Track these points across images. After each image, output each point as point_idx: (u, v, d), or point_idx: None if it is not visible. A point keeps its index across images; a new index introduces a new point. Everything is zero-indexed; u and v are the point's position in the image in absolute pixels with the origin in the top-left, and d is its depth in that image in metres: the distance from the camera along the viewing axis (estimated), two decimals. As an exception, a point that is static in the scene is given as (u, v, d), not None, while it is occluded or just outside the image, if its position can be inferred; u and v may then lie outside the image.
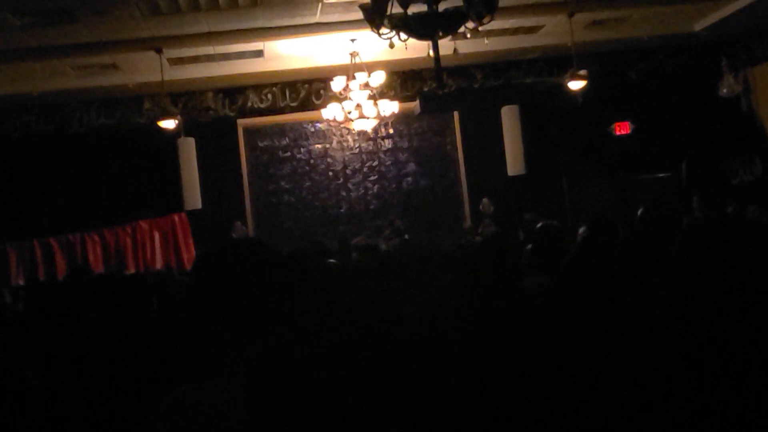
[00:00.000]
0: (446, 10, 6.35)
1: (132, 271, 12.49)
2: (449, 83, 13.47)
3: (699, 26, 13.00)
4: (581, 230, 6.62)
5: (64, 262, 12.64)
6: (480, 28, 6.52)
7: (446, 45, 7.59)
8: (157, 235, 13.24)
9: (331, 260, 6.59)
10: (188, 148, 13.43)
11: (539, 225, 6.72)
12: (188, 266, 12.89)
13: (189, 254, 13.30)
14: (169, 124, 11.69)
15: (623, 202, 13.54)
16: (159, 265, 12.97)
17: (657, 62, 14.12)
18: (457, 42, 7.79)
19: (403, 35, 6.50)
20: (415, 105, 13.66)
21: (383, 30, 6.49)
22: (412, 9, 6.51)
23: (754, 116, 14.08)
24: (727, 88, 13.90)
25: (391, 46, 6.44)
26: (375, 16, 6.40)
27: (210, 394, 1.97)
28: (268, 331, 2.02)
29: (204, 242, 13.30)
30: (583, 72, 11.55)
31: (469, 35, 6.51)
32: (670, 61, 14.12)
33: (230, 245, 2.51)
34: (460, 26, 6.47)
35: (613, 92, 13.88)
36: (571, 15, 11.05)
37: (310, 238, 11.87)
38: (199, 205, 13.41)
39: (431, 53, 6.64)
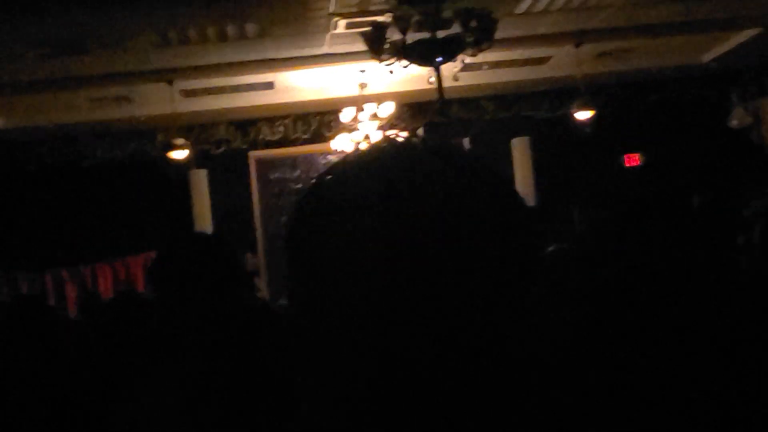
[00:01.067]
0: (445, 37, 6.43)
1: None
2: (459, 114, 13.55)
3: (707, 57, 13.04)
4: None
5: (75, 293, 12.72)
6: (479, 57, 6.59)
7: (451, 78, 7.64)
8: (167, 266, 13.29)
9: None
10: (200, 179, 13.55)
11: (551, 249, 6.72)
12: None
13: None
14: (180, 155, 11.79)
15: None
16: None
17: (666, 94, 14.15)
18: (461, 74, 7.85)
19: (403, 61, 6.58)
20: (420, 132, 13.73)
21: (384, 57, 6.57)
22: (413, 36, 6.61)
23: (765, 148, 14.07)
24: (737, 119, 13.90)
25: (391, 72, 6.52)
26: (376, 43, 6.49)
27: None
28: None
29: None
30: (589, 103, 11.59)
31: (467, 61, 6.58)
32: (680, 93, 14.15)
33: (184, 242, 2.52)
34: (458, 53, 6.56)
35: (622, 124, 13.91)
36: (577, 46, 11.12)
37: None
38: (210, 236, 13.45)
39: (431, 80, 6.71)
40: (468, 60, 6.62)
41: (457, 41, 6.40)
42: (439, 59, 6.40)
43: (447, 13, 6.55)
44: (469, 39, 6.34)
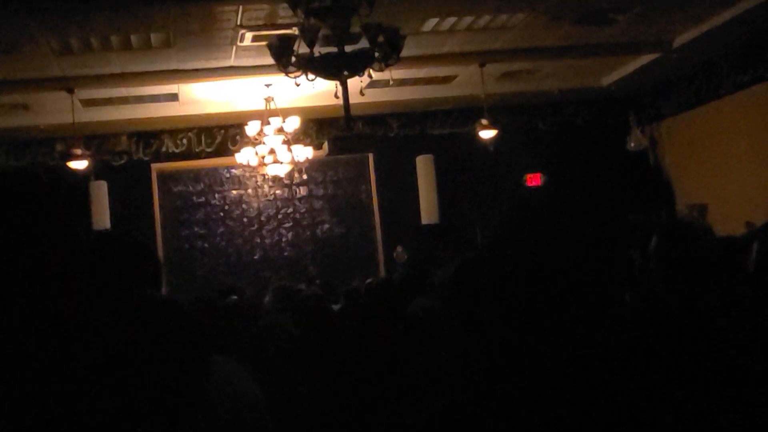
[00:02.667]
0: (353, 51, 6.44)
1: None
2: (364, 131, 13.60)
3: (607, 81, 13.41)
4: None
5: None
6: (386, 73, 6.62)
7: (358, 94, 7.66)
8: (64, 280, 12.92)
9: (234, 297, 6.53)
10: (100, 191, 13.23)
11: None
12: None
13: (97, 299, 13.02)
14: (79, 165, 11.50)
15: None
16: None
17: (567, 115, 14.49)
18: (368, 90, 7.87)
19: (310, 75, 6.56)
20: (323, 147, 13.74)
21: (291, 69, 6.54)
22: (320, 49, 6.60)
23: (661, 170, 14.50)
24: (635, 142, 14.30)
25: (297, 85, 6.49)
26: (282, 55, 6.46)
27: None
28: None
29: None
30: (492, 122, 11.76)
31: (374, 76, 6.61)
32: (580, 115, 14.51)
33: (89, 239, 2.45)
34: (366, 67, 6.57)
35: (525, 144, 14.17)
36: (482, 65, 11.28)
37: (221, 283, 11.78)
38: (109, 249, 13.15)
39: (338, 95, 6.71)
40: (375, 76, 6.65)
41: (364, 56, 6.41)
42: (345, 73, 6.40)
43: (354, 28, 6.57)
44: (377, 54, 6.36)
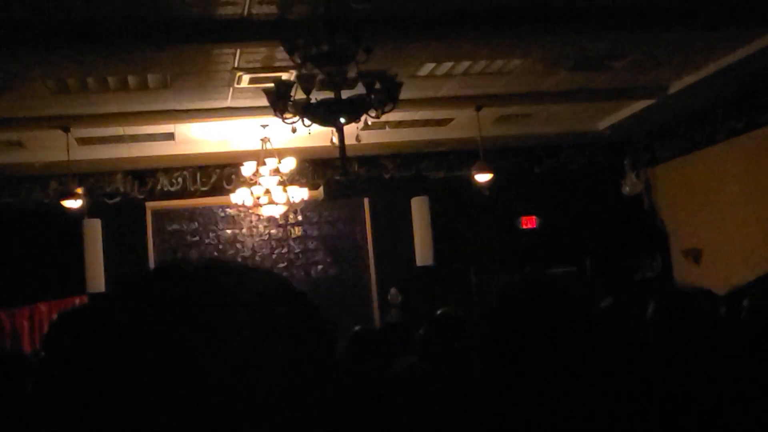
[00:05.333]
0: (349, 98, 6.44)
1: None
2: (359, 172, 13.63)
3: (602, 125, 13.46)
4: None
5: (-43, 343, 12.16)
6: (382, 117, 6.62)
7: (351, 134, 7.68)
8: (56, 318, 12.82)
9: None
10: (94, 229, 13.20)
11: (438, 312, 6.71)
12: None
13: (89, 338, 12.91)
14: (73, 204, 11.45)
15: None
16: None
17: (562, 158, 14.52)
18: (363, 132, 7.88)
19: (306, 120, 6.56)
20: (318, 192, 13.75)
21: (287, 115, 6.54)
22: (316, 95, 6.61)
23: (655, 214, 14.52)
24: (629, 186, 14.33)
25: (294, 131, 6.49)
26: (278, 101, 6.46)
27: None
28: None
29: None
30: (488, 165, 11.78)
31: (370, 122, 6.61)
32: (575, 158, 14.54)
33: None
34: (362, 114, 6.57)
35: (520, 186, 14.20)
36: (478, 109, 11.32)
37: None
38: (102, 288, 13.10)
39: (334, 140, 6.71)
40: (371, 121, 6.66)
41: (361, 102, 6.42)
42: (342, 120, 6.41)
43: (352, 74, 6.59)
44: (374, 101, 6.37)
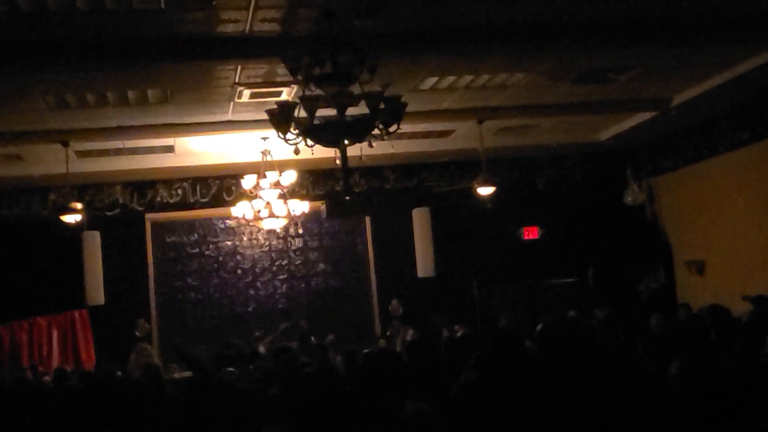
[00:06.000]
0: (353, 118, 6.36)
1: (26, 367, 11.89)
2: (360, 183, 13.55)
3: (605, 136, 13.38)
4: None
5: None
6: (386, 137, 6.54)
7: (355, 147, 7.60)
8: (55, 332, 12.74)
9: (231, 369, 6.40)
10: (93, 242, 13.11)
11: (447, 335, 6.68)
12: (86, 364, 12.44)
13: (88, 352, 12.87)
14: (72, 218, 11.33)
15: (531, 307, 13.66)
16: (56, 362, 12.47)
17: (564, 169, 14.44)
18: (365, 147, 7.80)
19: (309, 141, 6.48)
20: (321, 209, 13.68)
21: (290, 135, 6.46)
22: (320, 113, 6.53)
23: (658, 225, 14.43)
24: (631, 196, 14.25)
25: (296, 152, 6.41)
26: (281, 122, 6.38)
27: None
28: None
29: (105, 339, 12.90)
30: (491, 178, 11.70)
31: (374, 145, 6.53)
32: (577, 169, 14.46)
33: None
34: (366, 134, 6.49)
35: (522, 197, 14.14)
36: (480, 122, 11.24)
37: (220, 339, 11.68)
38: (102, 300, 13.03)
39: (338, 161, 6.62)
40: (375, 144, 6.58)
41: (364, 123, 6.34)
42: (345, 142, 6.33)
43: (355, 92, 6.50)
44: (378, 122, 6.29)
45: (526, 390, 4.51)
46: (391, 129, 6.41)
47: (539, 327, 5.15)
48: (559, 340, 5.16)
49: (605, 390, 4.44)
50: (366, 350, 6.74)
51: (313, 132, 6.27)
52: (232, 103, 10.01)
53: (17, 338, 12.46)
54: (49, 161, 11.79)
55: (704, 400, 3.34)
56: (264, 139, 11.42)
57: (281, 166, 11.66)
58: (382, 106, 6.37)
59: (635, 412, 4.27)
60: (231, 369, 6.38)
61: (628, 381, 4.85)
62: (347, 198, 7.77)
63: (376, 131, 6.58)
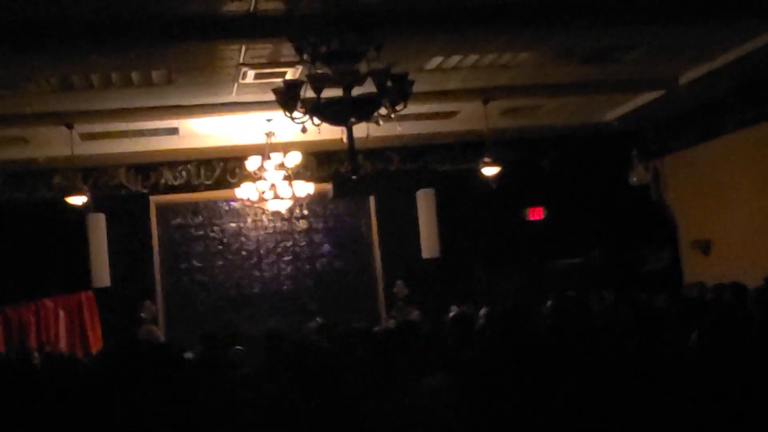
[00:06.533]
0: (360, 97, 6.34)
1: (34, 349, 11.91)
2: (365, 165, 13.52)
3: (610, 116, 13.34)
4: (482, 312, 6.55)
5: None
6: (393, 115, 6.51)
7: (360, 128, 7.58)
8: (62, 314, 12.77)
9: (238, 347, 6.40)
10: (98, 224, 13.12)
11: (452, 314, 6.68)
12: (93, 346, 12.47)
13: (95, 333, 12.89)
14: (77, 200, 11.36)
15: (536, 287, 13.64)
16: (63, 344, 12.51)
17: (570, 150, 14.39)
18: (371, 126, 7.77)
19: (316, 120, 6.46)
20: (328, 188, 13.65)
21: (296, 114, 6.44)
22: (326, 94, 6.50)
23: (663, 205, 14.40)
24: (637, 177, 14.21)
25: (304, 130, 6.39)
26: (288, 100, 6.36)
27: None
28: None
29: (112, 321, 12.92)
30: (496, 159, 11.66)
31: (381, 122, 6.50)
32: (583, 149, 14.40)
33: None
34: (373, 113, 6.47)
35: (526, 178, 14.09)
36: (485, 102, 11.20)
37: (222, 320, 11.69)
38: (107, 282, 13.05)
39: (345, 140, 6.61)
40: (382, 122, 6.55)
41: (371, 101, 6.31)
42: (352, 120, 6.31)
43: (362, 70, 6.47)
44: (385, 99, 6.27)
45: (537, 365, 4.51)
46: (398, 107, 6.38)
47: (549, 303, 5.16)
48: (568, 315, 5.18)
49: (615, 366, 4.43)
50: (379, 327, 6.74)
51: (320, 110, 6.24)
52: (236, 84, 9.98)
53: (24, 320, 12.49)
54: (54, 144, 11.78)
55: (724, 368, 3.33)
56: (268, 120, 11.39)
57: (286, 147, 11.65)
58: (389, 84, 6.34)
59: (644, 390, 4.27)
60: (239, 347, 6.39)
61: (636, 358, 4.85)
62: (354, 177, 7.69)
63: (383, 110, 6.54)
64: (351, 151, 6.71)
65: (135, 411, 2.00)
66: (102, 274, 13.05)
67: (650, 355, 5.06)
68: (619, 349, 5.04)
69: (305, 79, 6.30)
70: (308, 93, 6.51)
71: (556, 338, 4.92)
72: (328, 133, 7.41)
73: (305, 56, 6.44)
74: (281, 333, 6.41)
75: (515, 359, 4.64)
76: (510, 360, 4.63)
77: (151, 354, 2.03)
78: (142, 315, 12.98)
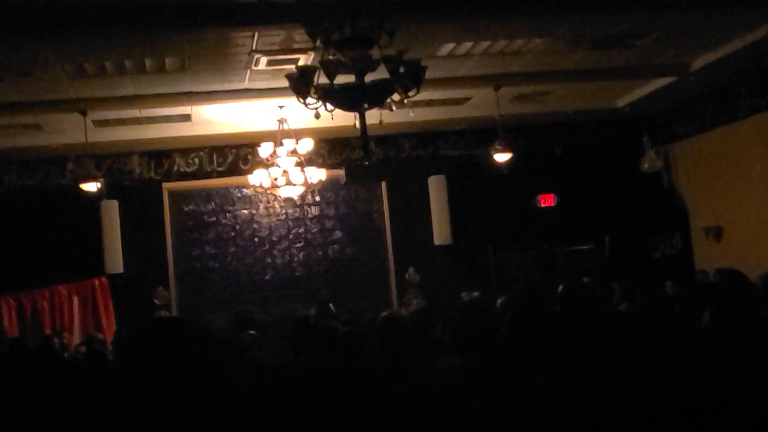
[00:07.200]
0: (373, 82, 6.36)
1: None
2: (377, 152, 13.54)
3: (622, 102, 13.32)
4: (499, 301, 6.60)
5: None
6: (406, 101, 6.54)
7: (373, 114, 7.61)
8: (76, 300, 12.90)
9: (251, 332, 6.46)
10: (111, 210, 13.20)
11: (466, 299, 6.72)
12: (107, 332, 12.57)
13: (108, 319, 12.99)
14: (91, 186, 11.44)
15: (548, 274, 13.68)
16: (77, 330, 12.63)
17: (581, 136, 14.40)
18: (384, 112, 7.80)
19: (329, 105, 6.49)
20: (340, 175, 13.69)
21: (309, 100, 6.47)
22: (339, 80, 6.53)
23: (674, 192, 14.39)
24: (648, 163, 14.19)
25: (317, 116, 6.42)
26: (301, 86, 6.39)
27: None
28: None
29: (125, 307, 13.02)
30: (507, 145, 11.67)
31: (394, 108, 6.54)
32: (594, 136, 14.40)
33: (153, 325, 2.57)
34: (386, 98, 6.49)
35: (538, 165, 14.10)
36: (497, 89, 11.21)
37: (235, 306, 11.71)
38: (121, 269, 13.14)
39: (357, 125, 6.64)
40: (395, 107, 6.59)
41: (384, 87, 6.34)
42: (365, 105, 6.34)
43: (374, 56, 6.50)
44: (397, 85, 6.29)
45: (551, 348, 4.54)
46: (411, 93, 6.40)
47: (561, 288, 5.19)
48: (580, 300, 5.20)
49: (627, 349, 4.46)
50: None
51: (333, 96, 6.27)
52: (248, 71, 10.02)
53: (39, 306, 12.61)
54: (68, 131, 11.87)
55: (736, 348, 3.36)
56: (280, 107, 11.44)
57: (297, 134, 11.69)
58: (401, 70, 6.36)
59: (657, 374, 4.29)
60: (252, 332, 6.44)
61: (649, 341, 4.87)
62: (366, 163, 7.73)
63: (395, 96, 6.56)
64: (363, 137, 6.73)
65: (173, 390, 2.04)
66: (115, 260, 13.14)
67: (664, 340, 5.08)
68: (631, 332, 5.05)
69: (318, 65, 6.32)
70: (321, 79, 6.55)
71: (568, 323, 4.95)
72: (340, 119, 7.45)
73: (318, 42, 6.47)
74: (308, 318, 6.47)
75: (530, 343, 4.68)
76: (525, 344, 4.67)
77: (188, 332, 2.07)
78: (155, 301, 13.07)
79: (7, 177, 13.25)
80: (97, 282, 13.13)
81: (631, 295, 9.23)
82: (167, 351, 2.09)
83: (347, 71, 6.54)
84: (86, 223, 13.08)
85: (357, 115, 6.75)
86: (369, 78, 6.58)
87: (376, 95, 6.38)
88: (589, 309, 5.23)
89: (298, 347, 6.24)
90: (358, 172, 13.08)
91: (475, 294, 9.57)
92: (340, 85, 6.37)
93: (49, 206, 13.22)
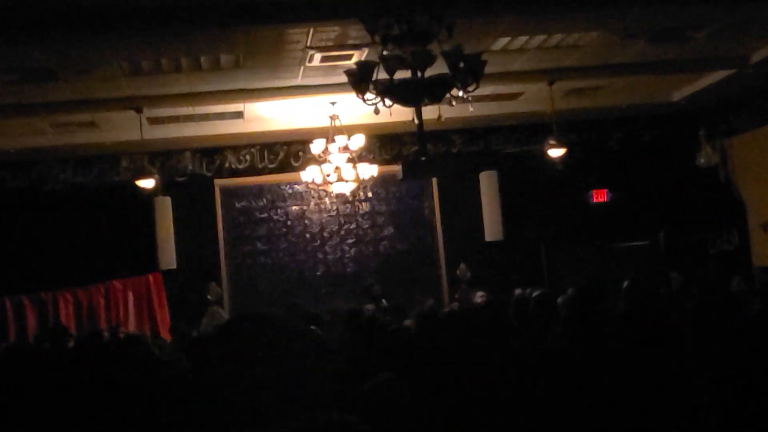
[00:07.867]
0: (432, 78, 6.33)
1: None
2: (429, 148, 13.48)
3: (677, 96, 13.12)
4: (560, 300, 6.55)
5: (36, 320, 12.41)
6: (467, 96, 6.50)
7: (430, 109, 7.58)
8: (130, 295, 13.04)
9: (313, 327, 6.46)
10: (164, 207, 13.33)
11: (534, 294, 6.66)
12: (161, 327, 12.69)
13: (162, 315, 13.11)
14: (147, 183, 11.55)
15: (601, 270, 13.53)
16: (132, 325, 12.76)
17: (635, 131, 14.22)
18: (444, 107, 7.76)
19: (388, 101, 6.47)
20: (396, 170, 13.63)
21: (368, 96, 6.45)
22: (398, 75, 6.50)
23: (732, 187, 14.15)
24: (705, 158, 13.96)
25: (377, 111, 6.40)
26: (360, 82, 6.37)
27: None
28: None
29: (178, 303, 13.14)
30: (561, 140, 11.56)
31: (454, 103, 6.49)
32: (649, 130, 14.22)
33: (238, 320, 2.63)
34: (445, 94, 6.46)
35: (591, 160, 13.96)
36: (551, 83, 11.11)
37: (287, 301, 11.74)
38: (174, 265, 13.27)
39: (415, 120, 6.61)
40: (455, 102, 6.55)
41: (443, 82, 6.30)
42: (425, 101, 6.31)
43: (435, 52, 6.47)
44: (456, 80, 6.26)
45: (612, 345, 4.50)
46: (470, 88, 6.36)
47: (626, 284, 5.12)
48: (645, 296, 5.14)
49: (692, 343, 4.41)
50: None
51: (393, 92, 6.25)
52: (302, 68, 10.03)
53: (94, 301, 12.77)
54: (122, 128, 12.00)
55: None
56: (332, 103, 11.45)
57: (349, 130, 11.68)
58: (461, 64, 6.32)
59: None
60: (313, 327, 6.45)
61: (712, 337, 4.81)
62: (423, 159, 7.69)
63: (454, 91, 6.53)
64: (420, 133, 6.71)
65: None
66: (168, 256, 13.28)
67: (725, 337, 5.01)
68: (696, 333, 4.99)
69: (378, 60, 6.30)
70: (379, 75, 6.53)
71: (633, 324, 4.89)
72: (399, 114, 7.43)
73: (376, 38, 6.45)
74: (360, 311, 6.45)
75: (591, 341, 4.63)
76: (586, 342, 4.63)
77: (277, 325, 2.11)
78: (208, 296, 13.15)
79: (63, 174, 13.43)
80: (151, 278, 13.25)
81: (688, 291, 9.09)
82: (257, 343, 2.11)
83: (405, 67, 6.52)
84: (140, 219, 13.23)
85: (414, 110, 6.73)
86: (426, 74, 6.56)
87: (435, 90, 6.35)
88: (653, 306, 5.18)
89: (354, 343, 6.24)
90: (413, 169, 12.98)
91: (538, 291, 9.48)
92: (399, 80, 6.35)
93: (103, 203, 13.37)
